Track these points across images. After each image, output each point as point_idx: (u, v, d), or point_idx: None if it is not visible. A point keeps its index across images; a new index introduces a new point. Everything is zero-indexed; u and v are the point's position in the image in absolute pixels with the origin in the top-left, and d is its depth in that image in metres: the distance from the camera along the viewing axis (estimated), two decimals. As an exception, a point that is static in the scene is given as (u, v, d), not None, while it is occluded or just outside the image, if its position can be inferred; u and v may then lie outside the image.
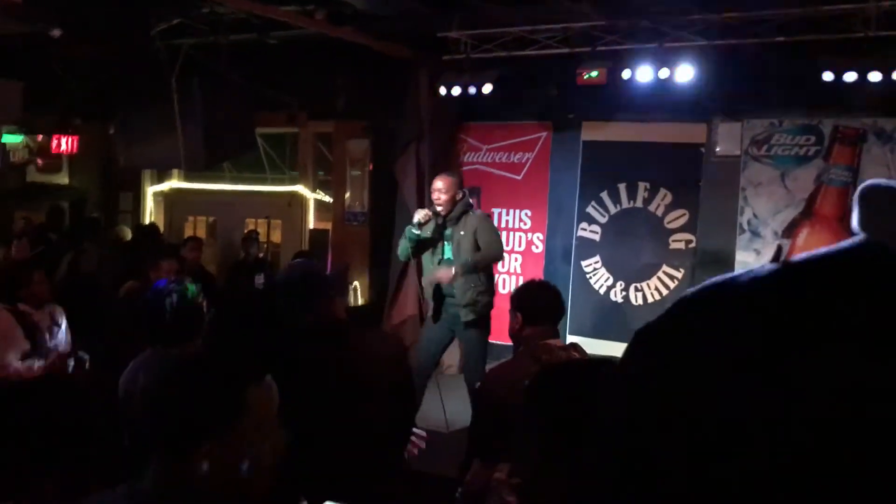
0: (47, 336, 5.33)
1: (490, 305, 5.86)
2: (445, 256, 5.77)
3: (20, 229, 9.34)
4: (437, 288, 5.82)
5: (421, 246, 5.85)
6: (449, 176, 5.91)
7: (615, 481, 0.54)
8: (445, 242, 5.78)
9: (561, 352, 3.07)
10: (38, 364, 5.16)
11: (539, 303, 3.29)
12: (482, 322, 5.82)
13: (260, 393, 1.60)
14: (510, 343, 3.48)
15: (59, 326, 5.45)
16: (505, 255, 5.83)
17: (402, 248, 5.91)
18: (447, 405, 6.35)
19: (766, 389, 0.48)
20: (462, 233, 5.69)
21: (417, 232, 5.72)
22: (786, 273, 0.53)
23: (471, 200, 5.97)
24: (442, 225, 5.79)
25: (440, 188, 5.72)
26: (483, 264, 5.69)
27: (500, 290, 8.35)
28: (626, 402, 0.56)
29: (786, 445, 0.47)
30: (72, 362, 5.32)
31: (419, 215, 5.77)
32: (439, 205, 5.70)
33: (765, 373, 0.48)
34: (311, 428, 1.76)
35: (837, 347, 0.47)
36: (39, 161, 9.68)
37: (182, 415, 1.54)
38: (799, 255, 0.53)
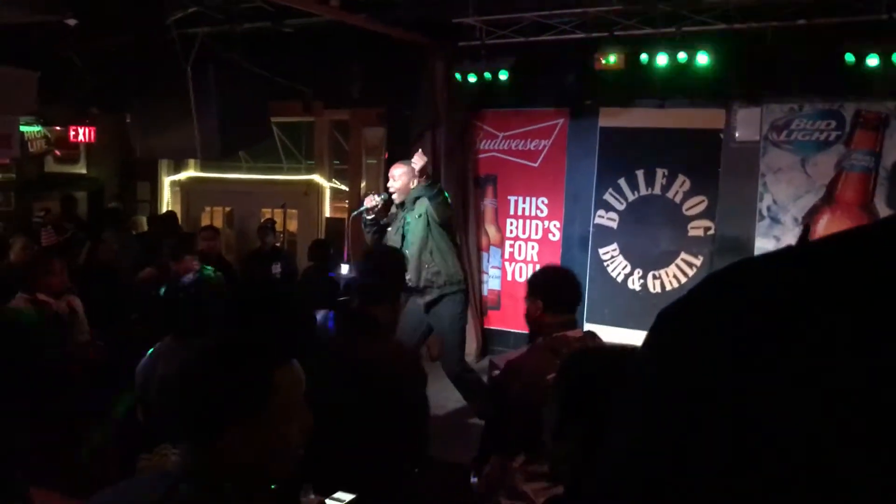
0: (66, 325, 5.37)
1: (455, 284, 5.69)
2: (409, 244, 5.67)
3: (46, 219, 9.44)
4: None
5: (383, 231, 5.82)
6: (402, 164, 5.80)
7: (640, 468, 0.53)
8: (407, 230, 5.69)
9: (578, 343, 3.03)
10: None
11: (559, 289, 3.24)
12: (449, 302, 5.67)
13: (287, 374, 1.62)
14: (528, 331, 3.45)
15: (78, 316, 5.49)
16: (445, 215, 5.59)
17: (367, 235, 5.89)
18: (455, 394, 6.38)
19: (783, 373, 0.47)
20: (418, 216, 5.60)
21: (368, 217, 5.71)
22: (806, 254, 0.52)
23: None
24: (400, 214, 5.75)
25: (394, 175, 5.70)
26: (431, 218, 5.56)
27: (517, 278, 8.37)
28: (649, 385, 0.55)
29: (798, 435, 0.46)
30: (90, 350, 5.37)
31: (367, 201, 5.76)
32: (392, 192, 5.69)
33: (782, 355, 0.47)
34: (326, 416, 1.75)
35: (854, 327, 0.46)
36: (57, 151, 9.74)
37: (211, 399, 1.55)
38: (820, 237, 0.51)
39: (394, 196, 5.68)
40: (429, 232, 5.58)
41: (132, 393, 2.90)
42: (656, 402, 0.53)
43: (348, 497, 2.10)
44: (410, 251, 5.56)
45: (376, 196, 5.74)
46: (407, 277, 5.73)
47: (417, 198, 5.62)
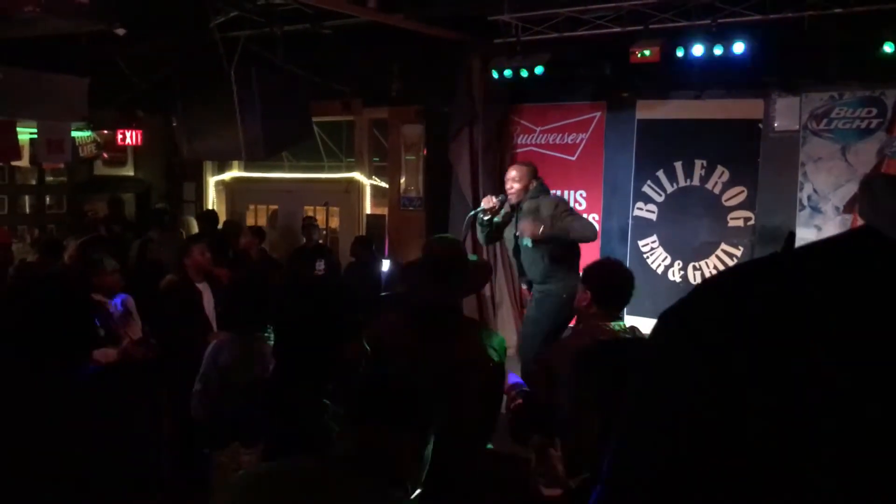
0: (121, 324, 5.56)
1: (565, 290, 5.51)
2: (523, 243, 5.67)
3: (92, 220, 9.72)
4: (522, 271, 5.85)
5: (498, 231, 5.84)
6: (522, 165, 5.92)
7: (647, 454, 0.58)
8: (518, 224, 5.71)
9: (620, 335, 3.09)
10: (112, 351, 5.39)
11: (610, 284, 3.30)
12: (549, 302, 5.64)
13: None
14: (570, 324, 3.51)
15: (131, 314, 5.68)
16: (594, 233, 5.58)
17: (480, 235, 5.89)
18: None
19: (768, 374, 0.51)
20: (537, 215, 5.57)
21: (485, 217, 5.69)
22: (787, 262, 0.57)
23: (544, 187, 5.86)
24: (514, 213, 5.77)
25: (514, 177, 5.73)
26: (573, 235, 5.42)
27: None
28: (650, 382, 0.60)
29: (773, 433, 0.50)
30: (143, 348, 5.54)
31: (484, 202, 5.76)
32: (511, 194, 5.71)
33: (767, 358, 0.52)
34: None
35: (832, 332, 0.51)
36: (105, 154, 10.00)
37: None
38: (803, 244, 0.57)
39: (511, 197, 5.70)
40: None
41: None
42: (655, 396, 0.58)
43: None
44: (525, 252, 5.62)
45: (494, 197, 5.73)
46: (525, 279, 5.85)
47: (534, 198, 5.65)
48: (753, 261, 0.59)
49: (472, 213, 5.82)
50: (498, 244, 6.89)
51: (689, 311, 0.60)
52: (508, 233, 5.84)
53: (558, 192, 8.28)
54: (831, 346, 0.50)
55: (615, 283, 3.33)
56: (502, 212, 5.76)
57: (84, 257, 6.62)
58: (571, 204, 8.23)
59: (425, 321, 3.03)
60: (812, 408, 0.50)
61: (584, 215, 8.12)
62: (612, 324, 3.21)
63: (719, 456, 0.52)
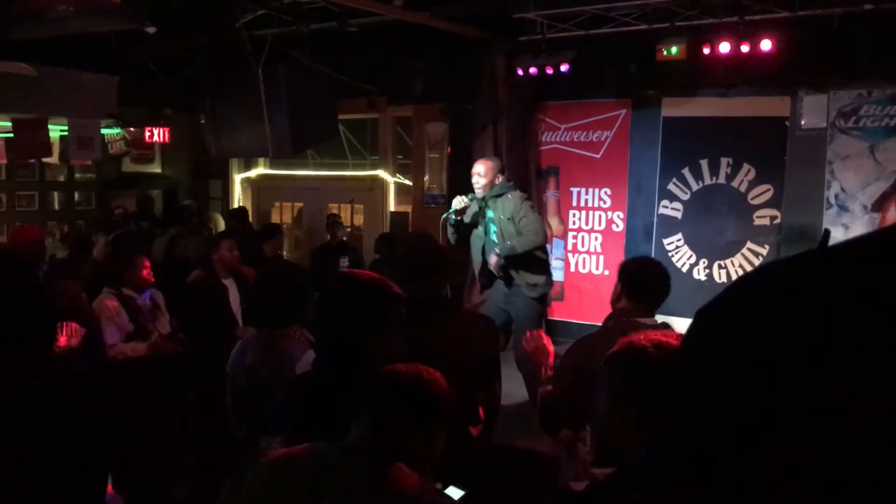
0: (150, 319, 5.64)
1: (544, 284, 5.90)
2: (490, 237, 5.84)
3: (119, 217, 9.85)
4: (484, 267, 5.93)
5: (466, 230, 5.92)
6: (488, 160, 6.01)
7: (680, 461, 0.58)
8: (490, 225, 5.84)
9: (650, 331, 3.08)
10: (141, 345, 5.47)
11: (642, 280, 3.28)
12: (538, 300, 5.90)
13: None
14: (595, 323, 3.52)
15: (160, 309, 5.75)
16: (542, 239, 5.78)
17: (449, 234, 5.94)
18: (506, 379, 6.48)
19: (814, 371, 0.51)
20: (501, 216, 5.75)
21: (456, 218, 5.79)
22: (826, 258, 0.57)
23: (509, 183, 5.97)
24: (482, 208, 5.86)
25: (479, 172, 5.81)
26: (522, 250, 5.66)
27: (580, 269, 8.41)
28: (687, 377, 0.60)
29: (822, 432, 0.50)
30: (172, 343, 5.61)
31: (455, 203, 5.82)
32: (478, 188, 5.78)
33: (811, 356, 0.52)
34: None
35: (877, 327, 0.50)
36: (134, 152, 10.12)
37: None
38: (840, 241, 0.58)
39: (478, 191, 5.78)
40: (519, 233, 5.70)
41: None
42: (695, 391, 0.58)
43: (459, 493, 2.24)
44: (500, 249, 5.71)
45: (464, 197, 5.81)
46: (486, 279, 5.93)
47: (499, 195, 5.73)
48: (790, 257, 0.58)
49: (446, 215, 5.86)
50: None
51: (725, 308, 0.60)
52: (479, 231, 5.90)
53: (582, 190, 8.30)
54: (885, 347, 0.50)
55: (647, 279, 3.31)
56: (471, 211, 5.82)
57: (115, 252, 6.70)
58: (596, 202, 8.26)
59: (414, 314, 3.10)
60: (859, 410, 0.49)
61: (609, 213, 8.18)
62: (643, 320, 3.19)
63: (751, 454, 0.53)
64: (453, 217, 5.80)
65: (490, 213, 5.83)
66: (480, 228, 5.92)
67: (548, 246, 8.41)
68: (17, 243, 6.38)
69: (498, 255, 5.69)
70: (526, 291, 5.82)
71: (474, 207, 5.83)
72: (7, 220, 9.71)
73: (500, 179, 5.83)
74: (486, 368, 3.17)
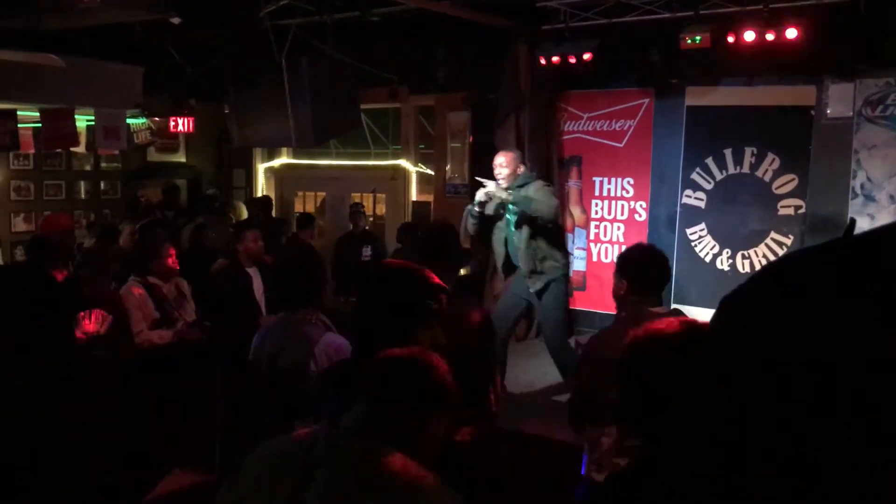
0: (175, 307, 5.71)
1: (560, 269, 5.92)
2: (511, 229, 5.85)
3: (145, 206, 9.96)
4: (507, 260, 5.94)
5: (487, 222, 5.92)
6: (510, 151, 6.04)
7: (703, 447, 0.58)
8: (508, 216, 5.85)
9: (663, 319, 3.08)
10: (167, 333, 5.54)
11: (646, 270, 3.28)
12: (555, 288, 5.89)
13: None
14: (614, 312, 3.51)
15: (186, 297, 5.82)
16: (553, 212, 5.72)
17: (469, 225, 5.94)
18: (529, 370, 6.52)
19: (834, 362, 0.51)
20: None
21: (479, 210, 5.80)
22: (853, 246, 0.57)
23: (531, 173, 6.00)
24: (502, 205, 5.85)
25: (501, 163, 5.82)
26: (530, 212, 5.62)
27: (602, 259, 8.39)
28: (712, 364, 0.60)
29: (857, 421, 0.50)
30: (197, 331, 5.69)
31: (479, 195, 5.82)
32: (501, 179, 5.78)
33: (837, 346, 0.51)
34: None
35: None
36: (159, 141, 10.22)
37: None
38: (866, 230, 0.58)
39: (501, 183, 5.79)
40: (534, 222, 5.70)
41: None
42: (718, 379, 0.58)
43: None
44: (519, 239, 5.75)
45: (489, 185, 5.81)
46: (519, 265, 5.93)
47: (521, 185, 5.75)
48: (816, 246, 0.58)
49: (470, 206, 5.87)
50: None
51: (750, 296, 0.60)
52: (502, 222, 5.90)
53: (605, 179, 8.28)
54: None
55: (650, 268, 3.31)
56: (494, 203, 5.81)
57: (141, 241, 6.79)
58: (619, 192, 8.24)
59: None
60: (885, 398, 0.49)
61: (632, 202, 8.15)
62: (655, 309, 3.19)
63: (769, 444, 0.53)
64: (476, 210, 5.81)
65: (511, 206, 5.83)
66: (503, 220, 5.92)
67: (569, 235, 8.43)
68: (49, 232, 6.49)
69: (488, 191, 5.66)
70: (528, 283, 5.82)
71: (500, 195, 5.83)
72: (35, 208, 9.85)
73: (522, 170, 5.86)
74: (464, 359, 3.16)
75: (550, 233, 5.84)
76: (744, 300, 0.60)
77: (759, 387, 0.54)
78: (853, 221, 0.62)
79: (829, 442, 0.51)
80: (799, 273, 0.57)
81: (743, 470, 0.54)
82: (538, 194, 5.68)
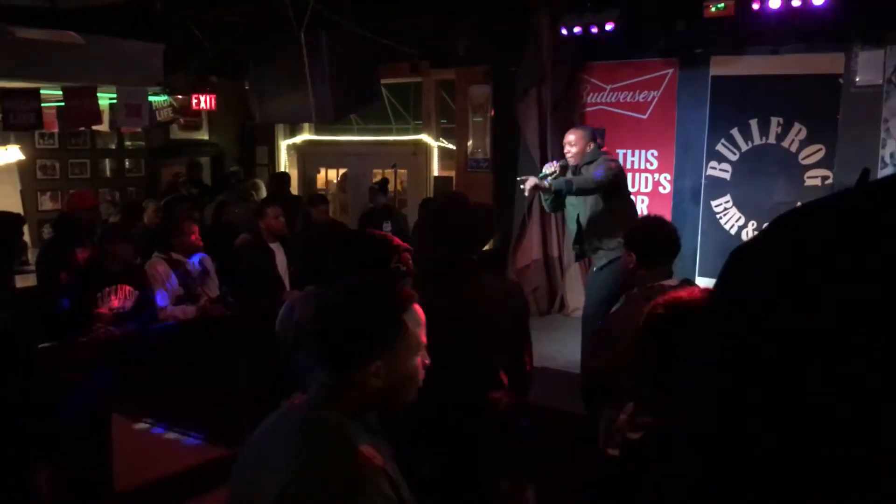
0: (199, 282, 5.76)
1: (616, 248, 5.69)
2: (573, 204, 5.76)
3: (170, 182, 10.03)
4: (578, 236, 5.82)
5: (560, 196, 5.77)
6: (580, 129, 5.93)
7: (710, 408, 0.56)
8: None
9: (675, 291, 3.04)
10: (191, 308, 5.60)
11: (655, 244, 3.25)
12: (610, 267, 5.64)
13: (411, 315, 1.83)
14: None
15: (209, 273, 5.87)
16: (592, 184, 5.52)
17: (544, 201, 5.91)
18: (550, 343, 6.51)
19: (850, 308, 0.49)
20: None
21: (550, 176, 5.66)
22: (869, 192, 0.55)
23: (603, 149, 5.88)
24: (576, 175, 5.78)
25: (570, 140, 5.74)
26: (576, 186, 5.50)
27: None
28: (720, 322, 0.57)
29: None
30: (221, 306, 5.74)
31: (545, 168, 5.78)
32: (570, 157, 5.72)
33: (847, 289, 0.49)
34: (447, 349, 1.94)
35: None
36: (181, 119, 10.25)
37: (355, 333, 1.75)
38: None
39: (570, 160, 5.72)
40: (596, 198, 5.61)
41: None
42: (727, 333, 0.56)
43: None
44: (583, 215, 5.66)
45: (555, 162, 5.77)
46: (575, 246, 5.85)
47: (589, 163, 5.65)
48: (828, 196, 0.56)
49: (539, 176, 5.76)
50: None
51: (761, 244, 0.58)
52: (570, 202, 5.79)
53: (628, 152, 8.20)
54: None
55: (659, 240, 3.27)
56: (563, 180, 5.70)
57: (166, 217, 6.84)
58: (642, 164, 8.16)
59: (434, 275, 3.10)
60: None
61: (656, 175, 8.07)
62: (666, 283, 3.16)
63: (780, 397, 0.51)
64: (546, 182, 5.61)
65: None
66: (573, 197, 5.78)
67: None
68: (76, 209, 6.55)
69: (541, 181, 5.56)
70: (602, 255, 5.69)
71: (542, 184, 5.70)
72: (61, 187, 9.94)
73: (591, 147, 5.73)
74: (507, 334, 3.14)
75: (616, 207, 5.67)
76: (750, 250, 0.59)
77: (760, 349, 0.52)
78: (867, 171, 0.59)
79: (836, 396, 0.49)
80: (810, 223, 0.56)
81: (746, 437, 0.53)
82: (589, 171, 5.57)
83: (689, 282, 3.32)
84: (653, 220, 3.52)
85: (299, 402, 1.79)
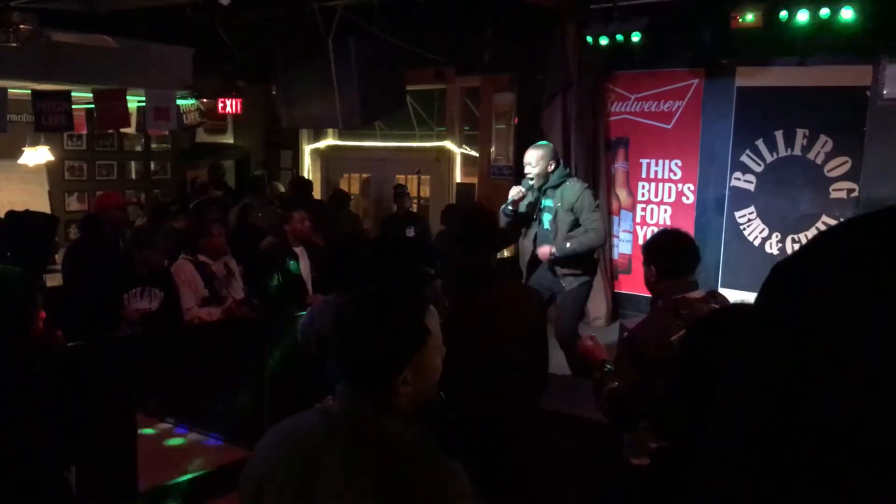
0: (224, 285, 5.81)
1: (592, 264, 5.90)
2: (544, 227, 5.76)
3: (199, 185, 10.11)
4: (534, 257, 5.83)
5: (520, 220, 5.83)
6: (539, 148, 5.82)
7: (750, 426, 0.56)
8: (545, 214, 5.75)
9: (701, 304, 3.01)
10: (216, 310, 5.64)
11: (672, 255, 3.22)
12: (586, 285, 5.88)
13: (431, 316, 1.84)
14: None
15: (234, 276, 5.92)
16: (602, 240, 5.78)
17: (503, 224, 5.81)
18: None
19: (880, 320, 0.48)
20: (559, 204, 5.66)
21: (511, 209, 5.69)
22: None
23: (566, 170, 5.86)
24: (539, 197, 5.78)
25: (529, 161, 5.71)
26: (582, 250, 5.60)
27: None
28: (763, 340, 0.57)
29: None
30: (245, 309, 5.78)
31: (512, 193, 5.70)
32: (531, 178, 5.69)
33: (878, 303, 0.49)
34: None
35: None
36: (208, 122, 10.36)
37: (390, 347, 1.76)
38: None
39: (532, 182, 5.71)
40: (575, 223, 5.64)
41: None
42: (770, 348, 0.55)
43: None
44: (558, 250, 5.64)
45: (520, 188, 5.73)
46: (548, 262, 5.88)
47: (558, 185, 5.65)
48: (878, 210, 0.55)
49: (504, 206, 5.74)
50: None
51: (805, 262, 0.57)
52: (534, 221, 5.84)
53: (652, 161, 8.18)
54: None
55: (676, 251, 3.24)
56: (526, 201, 5.72)
57: (194, 219, 6.90)
58: (666, 174, 8.14)
59: (462, 282, 3.16)
60: None
61: (680, 185, 8.05)
62: (690, 295, 3.14)
63: (817, 416, 0.51)
64: (509, 209, 5.70)
65: (547, 202, 5.73)
66: (536, 220, 5.84)
67: (614, 217, 8.36)
68: (105, 209, 6.63)
69: (553, 252, 5.63)
70: (571, 280, 5.77)
71: (530, 197, 5.76)
72: (88, 188, 10.07)
73: (553, 167, 5.70)
74: (528, 338, 3.18)
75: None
76: (796, 266, 0.58)
77: (799, 363, 0.52)
78: None
79: (868, 418, 0.49)
80: (857, 239, 0.55)
81: (783, 451, 0.53)
82: (585, 216, 5.58)
83: (715, 293, 3.29)
84: (669, 233, 3.50)
85: (332, 407, 1.80)
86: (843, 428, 0.50)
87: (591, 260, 5.90)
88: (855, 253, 0.53)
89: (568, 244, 5.60)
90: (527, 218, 5.84)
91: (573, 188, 5.67)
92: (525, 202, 5.74)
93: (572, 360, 5.82)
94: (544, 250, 5.67)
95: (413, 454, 1.70)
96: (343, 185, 11.24)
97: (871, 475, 0.49)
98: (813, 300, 0.53)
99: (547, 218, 5.74)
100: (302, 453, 1.75)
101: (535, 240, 5.84)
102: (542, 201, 5.76)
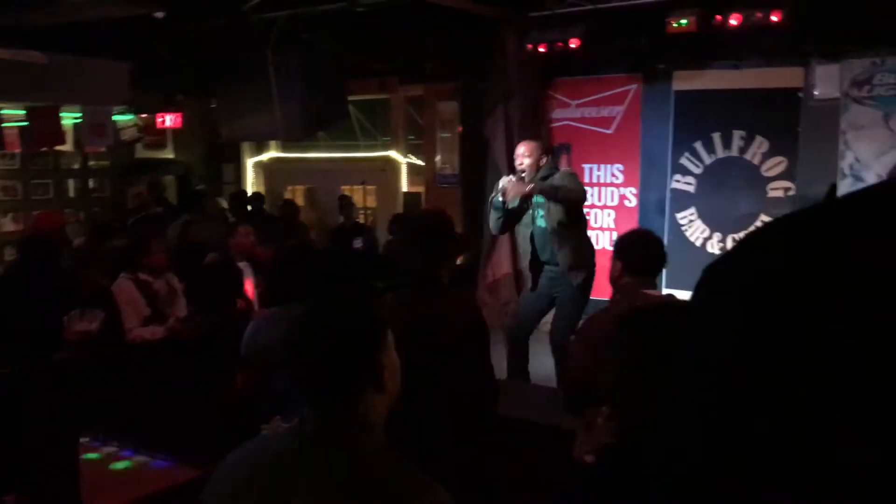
0: (166, 303, 5.70)
1: (591, 267, 5.79)
2: (537, 224, 5.70)
3: (135, 204, 9.91)
4: (535, 257, 5.82)
5: (511, 216, 5.78)
6: (531, 141, 5.88)
7: (697, 422, 0.56)
8: (537, 209, 5.70)
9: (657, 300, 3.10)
10: (159, 329, 5.53)
11: (640, 254, 3.31)
12: (584, 285, 5.75)
13: (388, 334, 1.81)
14: (608, 299, 3.52)
15: (177, 293, 5.81)
16: (587, 199, 5.68)
17: (493, 220, 5.78)
18: (543, 359, 6.49)
19: (819, 325, 0.49)
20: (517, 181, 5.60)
21: (501, 199, 5.61)
22: (836, 208, 0.55)
23: (558, 163, 5.87)
24: (527, 200, 5.72)
25: (522, 153, 5.70)
26: (562, 196, 5.44)
27: (594, 246, 8.39)
28: (697, 341, 0.57)
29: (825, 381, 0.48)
30: (189, 327, 5.67)
31: (502, 182, 5.66)
32: (522, 170, 5.67)
33: (818, 309, 0.49)
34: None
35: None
36: (146, 138, 10.17)
37: (356, 368, 1.72)
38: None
39: (523, 175, 5.65)
40: (567, 213, 5.56)
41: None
42: (704, 353, 0.56)
43: None
44: (549, 232, 5.61)
45: (511, 177, 5.66)
46: (544, 258, 5.79)
47: (546, 177, 5.61)
48: (799, 210, 0.56)
49: (493, 196, 5.70)
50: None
51: (733, 263, 0.58)
52: (526, 216, 5.79)
53: (594, 166, 8.28)
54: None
55: (645, 251, 3.34)
56: (516, 199, 5.68)
57: (132, 237, 6.75)
58: (608, 178, 8.24)
59: (406, 288, 3.13)
60: (858, 374, 0.48)
61: (622, 188, 8.16)
62: (649, 292, 3.22)
63: (757, 414, 0.51)
64: (499, 199, 5.61)
65: (538, 198, 5.66)
66: (527, 216, 5.77)
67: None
68: (41, 230, 6.44)
69: (531, 188, 5.49)
70: (570, 279, 5.69)
71: (519, 190, 5.69)
72: (23, 208, 9.79)
73: (545, 160, 5.71)
74: (467, 352, 3.15)
75: (582, 222, 5.74)
76: (722, 267, 0.59)
77: (734, 357, 0.53)
78: (833, 186, 0.61)
79: (805, 418, 0.49)
80: (780, 238, 0.56)
81: (719, 457, 0.53)
82: (565, 180, 5.51)
83: (673, 297, 3.37)
84: (641, 232, 3.59)
85: (284, 431, 1.76)
86: (783, 429, 0.50)
87: (590, 250, 5.82)
88: (783, 251, 0.54)
89: (548, 183, 5.48)
90: (518, 213, 5.78)
91: (560, 175, 5.63)
92: (515, 202, 5.65)
93: (560, 367, 5.74)
94: (514, 186, 5.52)
95: (392, 469, 1.66)
96: (288, 198, 11.14)
97: (819, 477, 0.49)
98: (742, 301, 0.54)
99: (540, 214, 5.67)
100: (273, 475, 1.68)
101: (532, 240, 5.80)
102: (535, 198, 5.68)
